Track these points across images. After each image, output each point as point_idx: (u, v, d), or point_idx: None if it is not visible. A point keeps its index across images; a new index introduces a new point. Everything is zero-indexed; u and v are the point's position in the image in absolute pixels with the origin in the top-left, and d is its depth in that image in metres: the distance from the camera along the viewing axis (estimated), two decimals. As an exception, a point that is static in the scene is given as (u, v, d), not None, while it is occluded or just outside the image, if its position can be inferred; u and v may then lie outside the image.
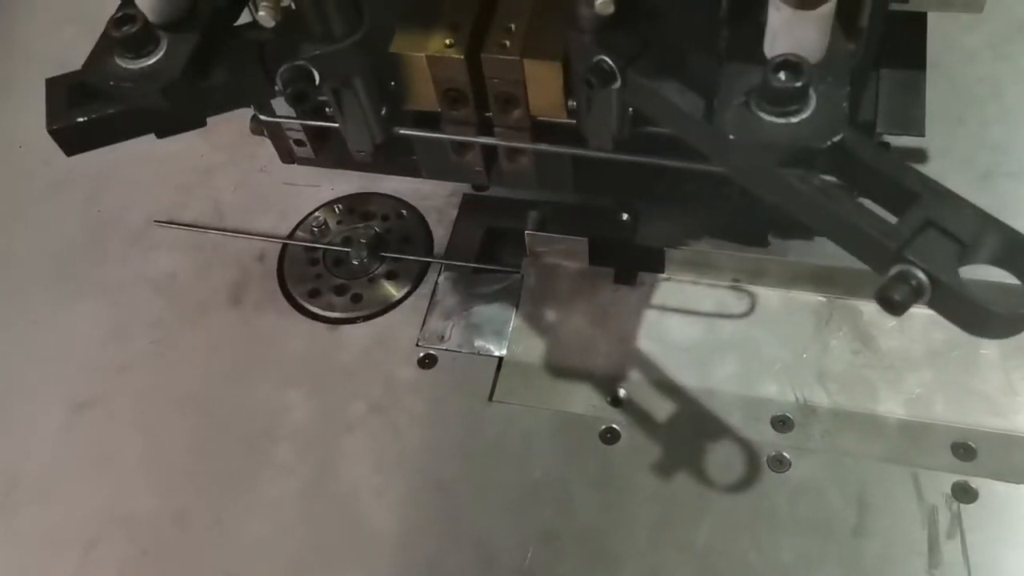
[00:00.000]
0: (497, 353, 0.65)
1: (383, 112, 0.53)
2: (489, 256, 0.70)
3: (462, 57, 0.50)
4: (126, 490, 0.63)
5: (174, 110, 0.48)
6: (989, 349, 0.60)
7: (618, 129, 0.51)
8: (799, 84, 0.39)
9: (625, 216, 0.66)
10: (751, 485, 0.57)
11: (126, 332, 0.70)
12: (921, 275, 0.38)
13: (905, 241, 0.38)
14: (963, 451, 0.57)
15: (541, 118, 0.53)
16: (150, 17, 0.47)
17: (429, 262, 0.70)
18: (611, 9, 0.42)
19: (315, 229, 0.73)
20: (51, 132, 0.49)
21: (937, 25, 0.60)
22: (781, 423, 0.60)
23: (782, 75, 0.39)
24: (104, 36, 0.47)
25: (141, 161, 0.80)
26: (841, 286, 0.63)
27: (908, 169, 0.40)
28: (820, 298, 0.64)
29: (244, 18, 0.52)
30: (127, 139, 0.51)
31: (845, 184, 0.41)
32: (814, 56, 0.40)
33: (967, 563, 0.53)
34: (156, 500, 0.62)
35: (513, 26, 0.50)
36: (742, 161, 0.42)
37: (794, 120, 0.40)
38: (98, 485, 0.63)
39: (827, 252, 0.63)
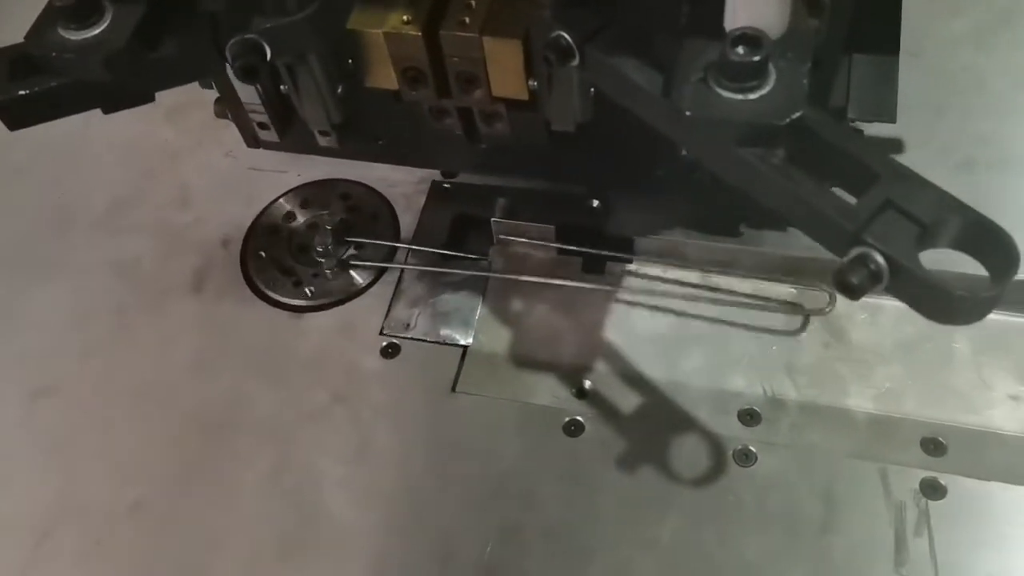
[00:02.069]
0: (463, 342, 0.64)
1: (339, 90, 0.52)
2: (457, 244, 0.68)
3: (419, 34, 0.49)
4: (82, 480, 0.61)
5: (119, 83, 0.46)
6: (961, 344, 0.59)
7: (580, 110, 0.49)
8: (757, 59, 0.38)
9: (595, 203, 0.64)
10: (717, 479, 0.56)
11: (87, 319, 0.69)
12: (879, 258, 0.36)
13: (864, 223, 0.37)
14: (933, 447, 0.56)
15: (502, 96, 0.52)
16: None
17: (395, 249, 0.69)
18: None
19: (286, 209, 0.72)
20: None
21: (919, 14, 0.59)
22: (749, 417, 0.58)
23: (740, 49, 0.38)
24: (48, 6, 0.45)
25: (106, 145, 0.78)
26: (813, 277, 0.62)
27: (869, 148, 0.38)
28: (791, 289, 0.63)
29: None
30: (72, 113, 0.49)
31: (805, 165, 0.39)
32: (775, 30, 0.39)
33: (934, 560, 0.51)
34: (112, 490, 0.60)
35: (473, 3, 0.49)
36: (699, 138, 0.41)
37: (752, 96, 0.38)
38: (53, 474, 0.62)
39: (799, 243, 0.61)
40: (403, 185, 0.72)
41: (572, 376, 0.61)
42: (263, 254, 0.70)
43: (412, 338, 0.64)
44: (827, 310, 0.61)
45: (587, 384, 0.61)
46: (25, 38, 0.46)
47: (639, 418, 0.59)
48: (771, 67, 0.39)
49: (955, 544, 0.52)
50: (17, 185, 0.77)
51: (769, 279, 0.63)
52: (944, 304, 0.37)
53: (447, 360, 0.63)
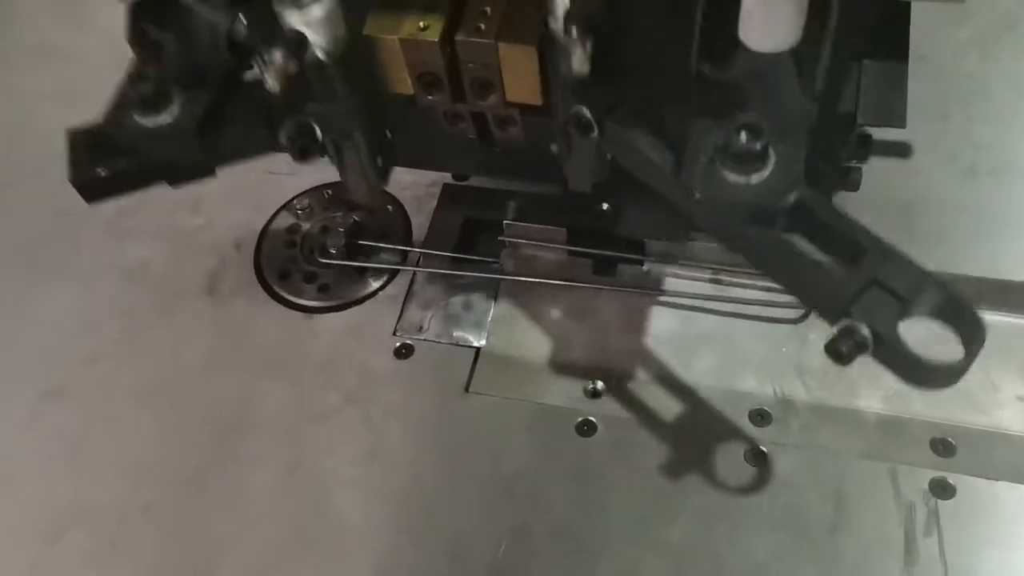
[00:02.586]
0: (475, 344, 0.64)
1: (379, 162, 0.55)
2: (468, 246, 0.69)
3: (436, 40, 0.49)
4: (93, 481, 0.62)
5: (186, 163, 0.52)
6: (970, 345, 0.60)
7: (597, 173, 0.53)
8: (759, 146, 0.41)
9: (605, 206, 0.65)
10: (728, 480, 0.57)
11: (97, 321, 0.69)
12: (865, 331, 0.41)
13: (851, 299, 0.41)
14: (942, 447, 0.56)
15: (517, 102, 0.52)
16: (165, 76, 0.50)
17: (407, 251, 0.69)
18: (587, 70, 0.44)
19: (299, 212, 0.72)
20: (74, 184, 0.53)
21: (925, 20, 0.59)
22: (759, 417, 0.59)
23: (743, 136, 0.41)
24: (121, 93, 0.50)
25: (117, 147, 0.79)
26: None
27: (858, 226, 0.43)
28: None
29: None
30: (141, 189, 0.54)
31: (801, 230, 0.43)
32: (788, 40, 0.40)
33: (944, 560, 0.52)
34: (124, 491, 0.61)
35: (489, 10, 0.49)
36: (708, 216, 0.45)
37: (754, 179, 0.42)
38: (65, 475, 0.62)
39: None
40: (414, 188, 0.73)
41: (584, 377, 0.62)
42: (276, 256, 0.70)
43: (425, 339, 0.65)
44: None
45: (599, 385, 0.61)
46: (103, 122, 0.51)
47: (651, 418, 0.60)
48: (771, 151, 0.42)
49: (964, 543, 0.53)
50: (26, 188, 0.78)
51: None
52: (919, 372, 0.41)
53: (460, 361, 0.63)
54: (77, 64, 0.85)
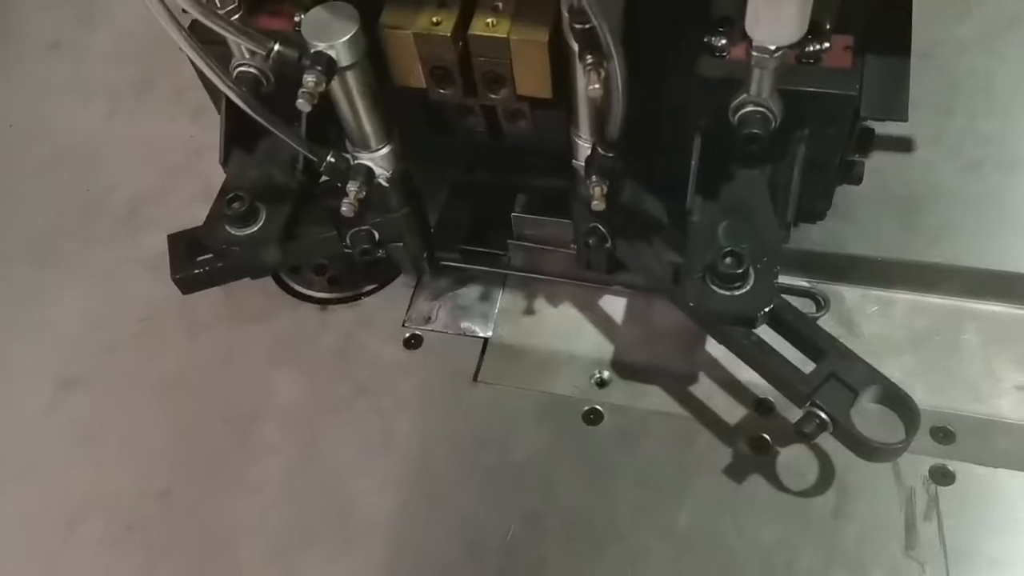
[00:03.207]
0: (483, 334, 0.65)
1: (426, 255, 0.66)
2: (477, 239, 0.70)
3: (449, 35, 0.50)
4: (111, 468, 0.63)
5: (270, 264, 0.62)
6: (970, 336, 0.61)
7: (608, 269, 0.63)
8: (740, 270, 0.51)
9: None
10: (732, 467, 0.58)
11: (115, 313, 0.70)
12: (824, 416, 0.51)
13: (813, 390, 0.52)
14: (942, 435, 0.57)
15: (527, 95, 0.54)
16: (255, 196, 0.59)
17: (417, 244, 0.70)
18: (603, 207, 0.53)
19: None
20: (174, 280, 0.62)
21: (929, 17, 0.60)
22: (763, 406, 0.60)
23: (728, 260, 0.51)
24: (216, 207, 0.59)
25: (130, 142, 0.80)
26: (825, 272, 0.64)
27: (820, 331, 0.54)
28: (803, 283, 0.64)
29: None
30: (229, 282, 0.64)
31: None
32: (793, 35, 0.41)
33: (943, 544, 0.53)
34: (141, 479, 0.62)
35: (500, 4, 0.50)
36: (699, 317, 0.57)
37: (737, 293, 0.52)
38: (83, 463, 0.63)
39: (811, 238, 0.63)
40: (424, 181, 0.73)
41: (591, 366, 0.63)
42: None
43: (434, 330, 0.66)
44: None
45: (606, 374, 0.62)
46: (201, 229, 0.60)
47: (656, 408, 0.61)
48: (750, 270, 0.52)
49: (963, 528, 0.54)
50: (44, 183, 0.79)
51: (782, 273, 0.64)
52: (867, 450, 0.51)
53: (469, 351, 0.65)
54: (89, 59, 0.87)
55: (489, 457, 0.60)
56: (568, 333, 0.65)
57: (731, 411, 0.60)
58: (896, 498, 0.55)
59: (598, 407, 0.61)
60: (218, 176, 0.77)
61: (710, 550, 0.55)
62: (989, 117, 0.71)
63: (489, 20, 0.50)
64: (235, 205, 0.58)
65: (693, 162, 0.53)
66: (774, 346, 0.54)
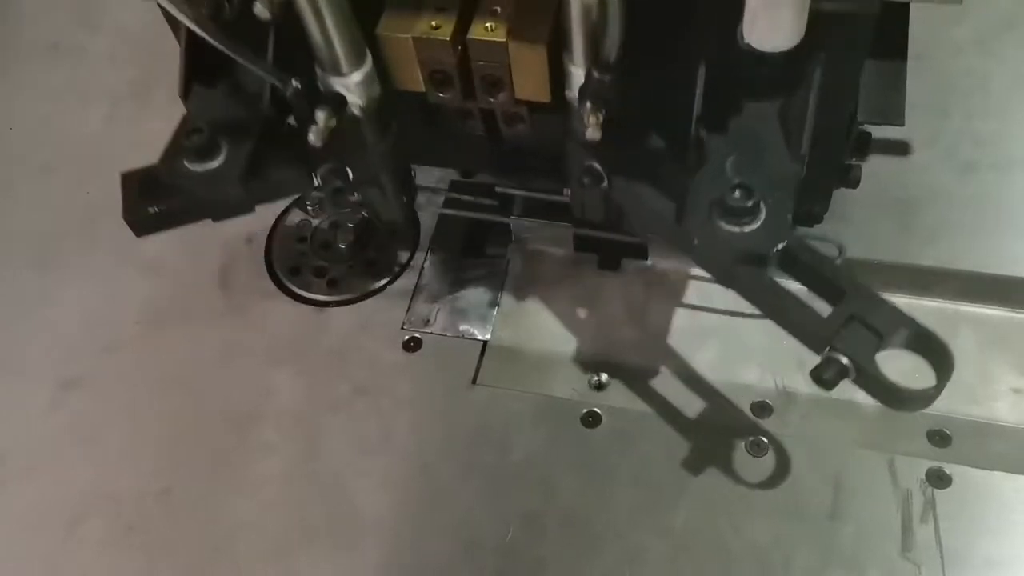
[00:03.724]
0: (481, 337, 0.66)
1: (404, 199, 0.61)
2: (475, 242, 0.70)
3: (448, 39, 0.50)
4: (111, 468, 0.63)
5: (230, 202, 0.57)
6: (966, 339, 0.61)
7: (604, 215, 0.57)
8: (750, 203, 0.46)
9: (610, 203, 0.66)
10: (730, 469, 0.58)
11: (114, 313, 0.70)
12: (846, 360, 0.46)
13: (834, 332, 0.46)
14: (938, 438, 0.58)
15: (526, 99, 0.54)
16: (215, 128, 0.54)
17: (416, 246, 0.70)
18: (598, 137, 0.48)
19: (308, 208, 0.74)
20: (126, 221, 0.56)
21: (924, 18, 0.61)
22: (760, 408, 0.60)
23: (737, 194, 0.46)
24: (174, 142, 0.55)
25: (131, 144, 0.79)
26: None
27: (839, 269, 0.48)
28: (801, 285, 0.64)
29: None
30: (187, 224, 0.58)
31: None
32: (790, 40, 0.41)
33: (940, 546, 0.53)
34: (141, 479, 0.62)
35: (499, 9, 0.51)
36: (705, 259, 0.51)
37: (747, 229, 0.47)
38: (83, 463, 0.64)
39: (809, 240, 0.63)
40: (423, 183, 0.74)
41: (589, 369, 0.63)
42: (287, 251, 0.72)
43: (432, 333, 0.66)
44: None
45: (604, 377, 0.63)
46: (157, 165, 0.55)
47: (655, 410, 0.61)
48: (761, 205, 0.47)
49: (959, 530, 0.54)
50: (45, 184, 0.79)
51: (779, 275, 0.64)
52: (895, 397, 0.46)
53: (467, 354, 0.65)
54: (88, 61, 0.87)
55: (487, 458, 0.60)
56: (566, 336, 0.65)
57: (728, 413, 0.60)
58: (893, 500, 0.55)
59: (596, 410, 0.61)
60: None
61: (707, 550, 0.56)
62: (985, 118, 0.71)
63: (488, 24, 0.50)
64: (194, 138, 0.54)
65: (698, 90, 0.49)
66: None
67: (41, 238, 0.76)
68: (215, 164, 0.54)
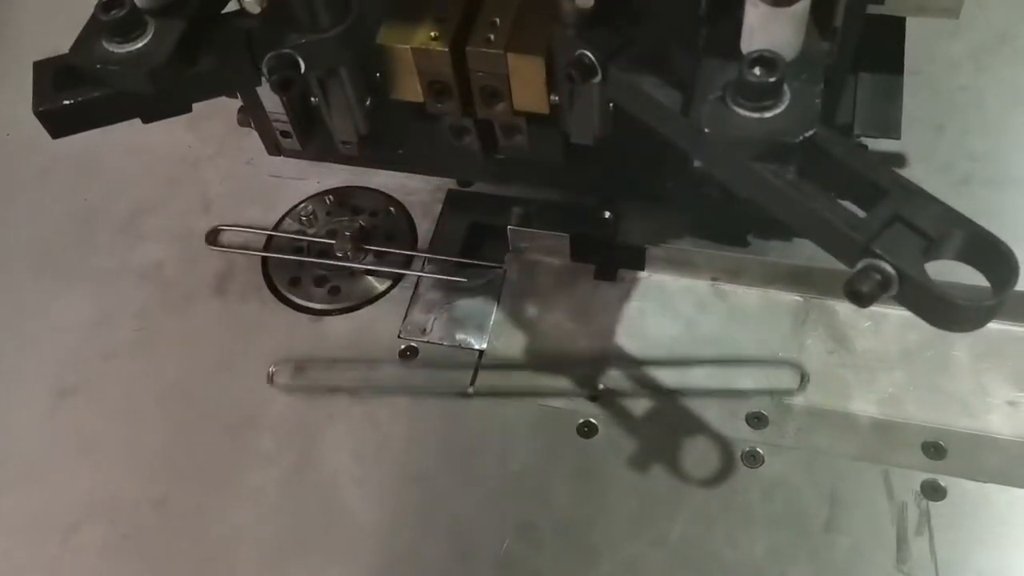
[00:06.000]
0: (478, 346, 0.66)
1: (368, 103, 0.54)
2: (472, 251, 0.70)
3: (447, 50, 0.51)
4: (108, 476, 0.63)
5: (160, 95, 0.49)
6: (961, 351, 0.61)
7: (600, 124, 0.51)
8: (773, 79, 0.39)
9: (607, 214, 0.67)
10: (725, 480, 0.58)
11: (111, 321, 0.70)
12: (888, 268, 0.38)
13: (873, 235, 0.39)
14: (933, 450, 0.58)
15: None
16: (138, 2, 0.47)
17: (412, 255, 0.71)
18: (591, 3, 0.42)
19: (303, 219, 0.73)
20: (37, 114, 0.49)
21: (920, 34, 0.61)
22: (756, 420, 0.60)
23: (757, 70, 0.40)
24: (92, 19, 0.47)
25: (128, 151, 0.80)
26: (818, 286, 0.64)
27: (878, 165, 0.41)
28: (797, 298, 0.65)
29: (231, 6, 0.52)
30: (113, 123, 0.51)
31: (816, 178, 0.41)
32: (789, 53, 0.41)
33: (935, 559, 0.53)
34: (137, 487, 0.62)
35: (498, 20, 0.51)
36: (716, 154, 0.43)
37: (768, 115, 0.40)
38: (80, 471, 0.63)
39: (805, 252, 0.64)
40: (420, 193, 0.74)
41: (586, 379, 0.63)
42: (283, 260, 0.72)
43: (429, 342, 0.66)
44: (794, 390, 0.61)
45: (600, 387, 0.63)
46: (70, 50, 0.48)
47: (651, 420, 0.61)
48: (786, 87, 0.40)
49: (954, 543, 0.54)
50: (42, 190, 0.79)
51: (776, 287, 0.65)
52: (948, 313, 0.39)
53: (463, 363, 0.65)
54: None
55: (483, 468, 0.60)
56: (563, 345, 0.65)
57: (724, 424, 0.60)
58: (888, 512, 0.55)
59: (592, 420, 0.61)
60: (217, 185, 0.78)
61: (702, 561, 0.56)
62: (980, 133, 0.72)
63: (487, 36, 0.51)
64: (113, 12, 0.46)
65: None
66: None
67: (39, 245, 0.76)
68: (140, 44, 0.47)
